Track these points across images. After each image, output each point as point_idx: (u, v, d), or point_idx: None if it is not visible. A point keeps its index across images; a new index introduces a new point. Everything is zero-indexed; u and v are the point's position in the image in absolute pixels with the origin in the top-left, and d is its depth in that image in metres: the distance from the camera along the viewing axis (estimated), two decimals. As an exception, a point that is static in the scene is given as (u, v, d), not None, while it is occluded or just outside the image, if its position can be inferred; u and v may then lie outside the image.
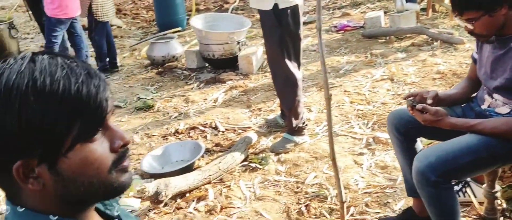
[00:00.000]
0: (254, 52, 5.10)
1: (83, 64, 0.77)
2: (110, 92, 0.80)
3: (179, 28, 6.86)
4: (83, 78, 0.74)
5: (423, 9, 6.56)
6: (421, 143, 2.30)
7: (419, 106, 1.91)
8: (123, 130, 0.87)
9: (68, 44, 5.66)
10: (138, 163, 3.28)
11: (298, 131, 3.38)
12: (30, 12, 9.03)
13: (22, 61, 0.73)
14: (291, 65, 3.27)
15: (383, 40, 5.56)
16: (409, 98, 2.02)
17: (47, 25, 4.70)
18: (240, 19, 5.47)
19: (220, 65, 5.16)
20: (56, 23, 4.62)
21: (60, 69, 0.73)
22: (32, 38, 7.73)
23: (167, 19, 6.95)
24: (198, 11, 8.22)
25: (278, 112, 3.80)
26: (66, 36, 5.20)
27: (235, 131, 3.75)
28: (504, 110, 1.93)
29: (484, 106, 2.04)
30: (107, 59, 5.44)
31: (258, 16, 7.21)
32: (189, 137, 3.73)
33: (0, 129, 0.70)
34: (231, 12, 7.82)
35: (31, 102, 0.70)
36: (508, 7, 1.83)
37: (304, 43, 5.09)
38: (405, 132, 2.17)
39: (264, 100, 4.30)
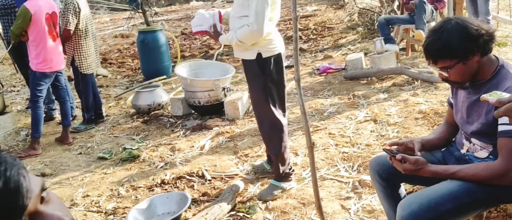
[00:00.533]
0: (240, 97, 5.15)
1: None
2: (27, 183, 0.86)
3: (165, 76, 6.92)
4: None
5: (402, 49, 6.73)
6: (404, 188, 2.32)
7: (398, 156, 1.94)
8: (58, 214, 0.91)
9: (53, 97, 5.69)
10: (123, 217, 3.24)
11: (285, 177, 3.38)
12: (15, 65, 9.09)
13: None
14: (276, 112, 3.31)
15: (365, 82, 5.67)
16: (391, 147, 2.06)
17: (32, 79, 4.72)
18: (225, 66, 5.55)
19: (206, 112, 5.20)
20: (41, 77, 4.64)
21: None
22: (18, 91, 7.74)
23: (152, 67, 7.02)
24: (183, 58, 8.33)
25: (265, 158, 3.82)
26: (51, 89, 5.22)
27: (222, 178, 3.75)
28: (483, 154, 1.97)
29: (463, 151, 2.08)
30: (92, 110, 5.44)
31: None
32: (175, 187, 3.71)
33: None
34: (216, 58, 7.93)
35: None
36: (480, 54, 1.90)
37: (288, 87, 5.16)
38: (388, 178, 2.19)
39: (251, 146, 4.32)
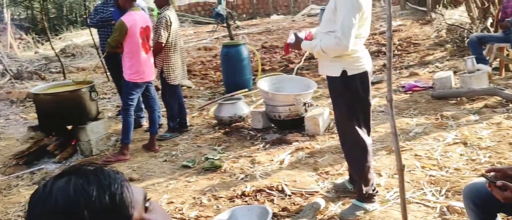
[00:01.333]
0: (321, 113, 5.11)
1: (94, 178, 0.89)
2: (130, 194, 0.91)
3: (246, 89, 7.04)
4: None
5: (495, 69, 6.35)
6: (501, 218, 2.18)
7: (499, 183, 1.82)
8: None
9: (142, 106, 5.97)
10: (207, 226, 3.32)
11: (368, 198, 3.30)
12: (108, 73, 9.68)
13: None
14: (361, 131, 3.24)
15: (454, 102, 5.41)
16: (488, 173, 1.94)
17: (124, 88, 5.00)
18: (306, 81, 5.55)
19: (286, 126, 5.21)
20: (133, 87, 4.91)
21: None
22: (109, 98, 8.21)
23: (234, 80, 7.18)
24: (264, 71, 8.43)
25: (347, 176, 3.75)
26: (141, 98, 5.49)
27: (302, 195, 3.72)
28: None
29: None
30: (177, 119, 5.65)
31: (324, 76, 7.28)
32: (255, 200, 3.74)
33: None
34: (296, 73, 7.94)
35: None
36: None
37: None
38: (484, 206, 2.07)
39: (331, 163, 4.26)
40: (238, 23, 16.97)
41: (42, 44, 17.01)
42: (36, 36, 17.37)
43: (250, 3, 21.09)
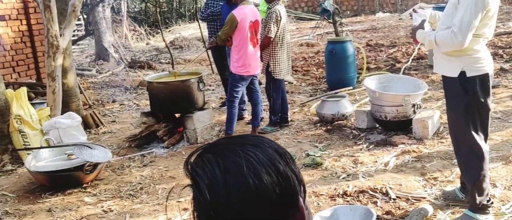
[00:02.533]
0: (430, 116, 4.85)
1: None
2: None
3: (351, 87, 6.90)
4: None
5: None
6: None
7: None
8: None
9: (246, 98, 6.10)
10: (307, 222, 3.29)
11: (482, 209, 3.07)
12: (213, 66, 10.02)
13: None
14: (477, 137, 3.02)
15: None
16: None
17: (231, 80, 5.13)
18: (416, 81, 5.29)
19: (392, 128, 5.02)
20: (239, 79, 5.02)
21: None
22: (213, 90, 8.50)
23: (338, 77, 7.06)
24: (368, 70, 8.20)
25: (458, 184, 3.51)
26: (245, 91, 5.60)
27: (408, 199, 3.56)
28: None
29: None
30: (279, 114, 5.68)
31: (433, 77, 6.91)
32: (357, 200, 3.64)
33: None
34: (404, 72, 7.63)
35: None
36: None
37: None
38: None
39: (440, 169, 4.03)
40: (340, 20, 16.67)
41: (153, 36, 18.08)
42: (148, 28, 18.50)
43: (355, 0, 20.63)
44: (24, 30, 8.10)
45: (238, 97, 5.13)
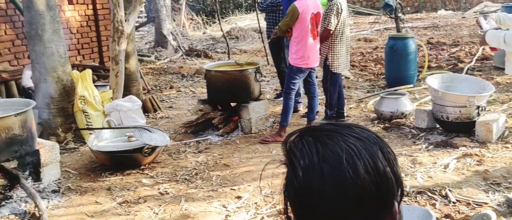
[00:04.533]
0: (495, 119, 4.64)
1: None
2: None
3: (411, 85, 6.71)
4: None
5: None
6: None
7: None
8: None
9: (302, 91, 6.06)
10: None
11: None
12: (269, 57, 10.02)
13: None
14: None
15: None
16: None
17: (288, 72, 5.11)
18: (482, 82, 5.06)
19: (453, 129, 4.84)
20: (297, 71, 4.99)
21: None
22: (267, 81, 8.51)
23: (397, 74, 6.88)
24: (429, 68, 7.94)
25: (524, 192, 3.34)
26: (301, 84, 5.56)
27: (469, 204, 3.43)
28: None
29: None
30: (335, 108, 5.61)
31: (498, 79, 6.61)
32: (415, 201, 3.54)
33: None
34: (466, 73, 7.33)
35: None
36: None
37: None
38: None
39: (504, 175, 3.84)
40: (401, 16, 16.22)
41: (210, 25, 18.31)
42: (205, 17, 18.75)
43: (416, -4, 20.00)
44: (90, 14, 8.42)
45: (294, 89, 5.11)
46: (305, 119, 5.60)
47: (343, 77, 7.72)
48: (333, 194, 0.79)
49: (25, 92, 6.26)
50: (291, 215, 0.86)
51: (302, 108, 6.28)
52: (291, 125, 5.56)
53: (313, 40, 4.93)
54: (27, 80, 6.13)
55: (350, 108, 6.25)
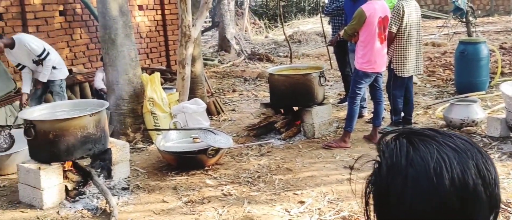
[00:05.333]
0: None
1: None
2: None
3: (483, 92, 6.41)
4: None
5: None
6: None
7: None
8: None
9: (367, 96, 5.95)
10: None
11: None
12: (332, 61, 9.93)
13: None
14: None
15: None
16: None
17: (354, 77, 5.03)
18: None
19: (529, 139, 4.57)
20: (363, 76, 4.90)
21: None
22: (331, 85, 8.43)
23: (468, 80, 6.60)
24: (502, 74, 7.55)
25: None
26: (367, 89, 5.45)
27: (548, 219, 3.22)
28: None
29: None
30: (402, 114, 5.45)
31: None
32: (488, 214, 3.37)
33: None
34: (545, 79, 6.89)
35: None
36: None
37: None
38: None
39: None
40: (472, 19, 15.52)
41: (272, 29, 18.40)
42: (268, 22, 18.87)
43: (488, -1, 19.09)
44: (159, 19, 8.72)
45: (360, 94, 5.02)
46: (370, 125, 5.49)
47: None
48: (413, 199, 0.78)
49: (97, 94, 6.58)
50: (370, 213, 0.86)
51: (367, 114, 6.16)
52: (356, 130, 5.46)
53: (380, 44, 4.82)
54: (99, 83, 6.44)
55: (418, 114, 6.06)
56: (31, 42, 5.34)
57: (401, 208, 0.79)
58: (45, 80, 5.56)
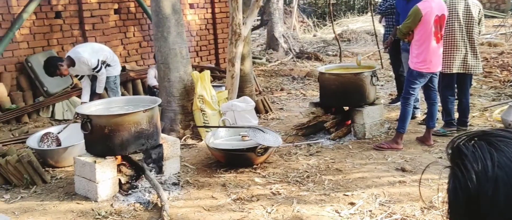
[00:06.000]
0: None
1: None
2: None
3: (545, 94, 6.09)
4: None
5: None
6: None
7: None
8: None
9: (419, 96, 5.77)
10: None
11: None
12: (383, 60, 9.72)
13: None
14: None
15: None
16: None
17: (408, 76, 4.89)
18: None
19: None
20: (417, 76, 4.75)
21: None
22: (382, 85, 8.25)
23: (529, 82, 6.28)
24: None
25: None
26: (422, 89, 5.28)
27: None
28: None
29: None
30: (451, 114, 5.22)
31: None
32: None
33: None
34: None
35: None
36: None
37: None
38: None
39: None
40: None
41: (320, 28, 18.24)
42: (316, 20, 18.72)
43: (550, -4, 18.12)
44: (209, 18, 8.82)
45: (414, 95, 4.88)
46: (423, 126, 5.32)
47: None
48: (505, 201, 0.74)
49: (150, 91, 6.73)
50: None
51: (420, 115, 5.98)
52: (408, 132, 5.32)
53: (436, 43, 4.66)
54: (152, 80, 6.58)
55: (473, 117, 5.82)
56: (88, 59, 5.48)
57: (493, 216, 0.75)
58: (101, 92, 5.75)
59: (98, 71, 5.62)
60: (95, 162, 3.92)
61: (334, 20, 18.67)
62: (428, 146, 4.92)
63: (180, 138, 5.35)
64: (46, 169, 4.73)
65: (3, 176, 4.36)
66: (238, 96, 6.07)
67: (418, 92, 5.70)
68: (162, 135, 4.52)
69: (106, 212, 3.74)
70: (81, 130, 4.04)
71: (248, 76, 6.70)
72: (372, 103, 5.43)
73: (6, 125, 6.30)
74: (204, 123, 5.50)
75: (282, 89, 8.51)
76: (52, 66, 5.37)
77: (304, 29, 18.07)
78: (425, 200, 3.68)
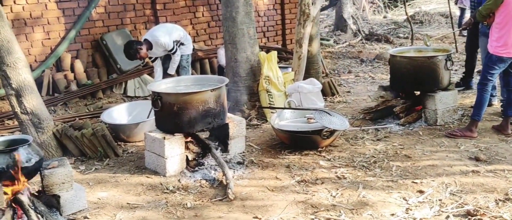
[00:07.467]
0: None
1: None
2: None
3: None
4: None
5: None
6: None
7: None
8: None
9: (496, 83, 5.43)
10: None
11: None
12: (457, 44, 9.25)
13: None
14: None
15: None
16: None
17: (486, 61, 4.61)
18: None
19: None
20: (496, 61, 4.46)
21: None
22: (456, 70, 7.85)
23: None
24: None
25: None
26: (500, 75, 4.97)
27: None
28: None
29: None
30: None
31: None
32: None
33: None
34: None
35: None
36: None
37: None
38: None
39: None
40: None
41: (391, 9, 17.61)
42: (387, 1, 18.08)
43: None
44: (277, -2, 8.75)
45: (492, 81, 4.59)
46: (499, 114, 5.02)
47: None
48: None
49: (220, 70, 6.81)
50: None
51: (497, 103, 5.65)
52: (483, 119, 5.03)
53: (519, 26, 4.34)
54: (223, 59, 6.67)
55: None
56: (165, 43, 5.65)
57: None
58: (173, 73, 5.90)
59: (174, 53, 5.77)
60: (164, 138, 4.03)
61: (406, 1, 17.98)
62: (506, 135, 4.63)
63: (246, 118, 5.40)
64: (119, 143, 4.94)
65: (79, 148, 4.61)
66: (305, 78, 6.00)
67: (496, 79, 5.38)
68: (229, 114, 4.57)
69: (173, 187, 3.85)
70: (152, 106, 4.17)
71: (315, 58, 6.60)
72: (446, 89, 5.18)
73: (82, 99, 6.65)
74: (269, 104, 5.50)
75: (349, 72, 8.34)
76: (133, 50, 5.56)
77: (374, 11, 17.53)
78: (500, 192, 3.47)
